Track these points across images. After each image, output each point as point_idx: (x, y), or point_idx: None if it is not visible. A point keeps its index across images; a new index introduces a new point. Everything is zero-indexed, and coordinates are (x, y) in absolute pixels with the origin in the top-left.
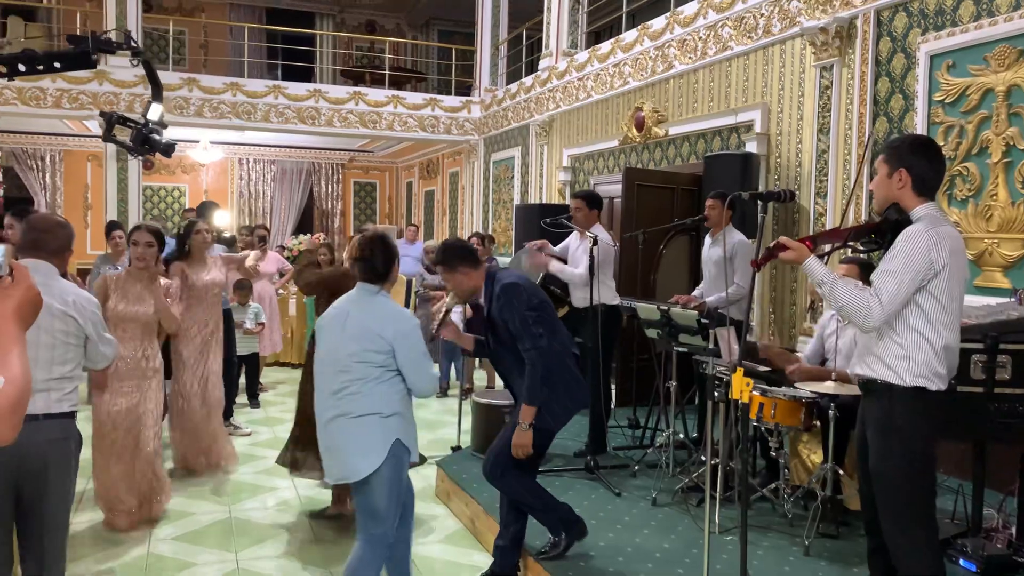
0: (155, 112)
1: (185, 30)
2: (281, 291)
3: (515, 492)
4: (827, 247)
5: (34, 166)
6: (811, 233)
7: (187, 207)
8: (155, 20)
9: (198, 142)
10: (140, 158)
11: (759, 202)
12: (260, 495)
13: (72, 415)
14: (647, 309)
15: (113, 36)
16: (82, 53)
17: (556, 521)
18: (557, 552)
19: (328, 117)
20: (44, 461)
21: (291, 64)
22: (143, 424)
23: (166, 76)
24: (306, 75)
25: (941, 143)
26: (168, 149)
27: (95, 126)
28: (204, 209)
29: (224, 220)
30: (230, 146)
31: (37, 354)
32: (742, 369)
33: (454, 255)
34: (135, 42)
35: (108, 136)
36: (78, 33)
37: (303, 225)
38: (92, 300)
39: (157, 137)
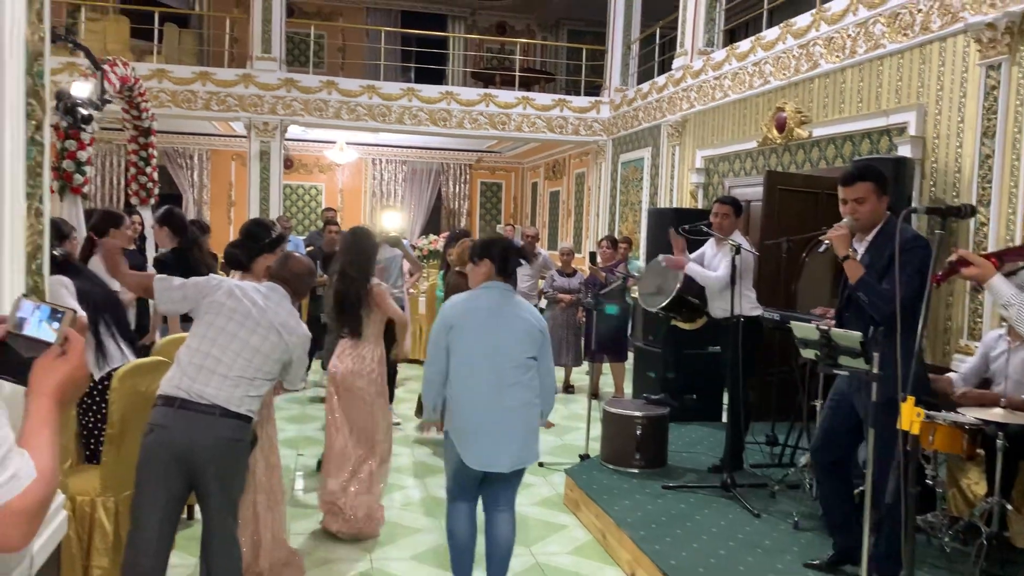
0: (81, 89)
1: (325, 34)
2: (411, 290)
3: None
4: (1019, 264)
5: (183, 164)
6: (996, 250)
7: (325, 206)
8: (297, 24)
9: (335, 143)
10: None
11: (938, 218)
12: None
13: (249, 420)
14: (804, 328)
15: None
16: None
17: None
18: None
19: (459, 119)
20: (210, 457)
21: (424, 67)
22: None
23: (307, 79)
24: (438, 77)
25: None
26: (86, 120)
27: (240, 127)
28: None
29: (394, 222)
30: (364, 147)
31: (245, 350)
32: (912, 398)
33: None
34: (73, 34)
35: (56, 108)
36: (227, 40)
37: (431, 224)
38: (305, 332)
39: (81, 110)
